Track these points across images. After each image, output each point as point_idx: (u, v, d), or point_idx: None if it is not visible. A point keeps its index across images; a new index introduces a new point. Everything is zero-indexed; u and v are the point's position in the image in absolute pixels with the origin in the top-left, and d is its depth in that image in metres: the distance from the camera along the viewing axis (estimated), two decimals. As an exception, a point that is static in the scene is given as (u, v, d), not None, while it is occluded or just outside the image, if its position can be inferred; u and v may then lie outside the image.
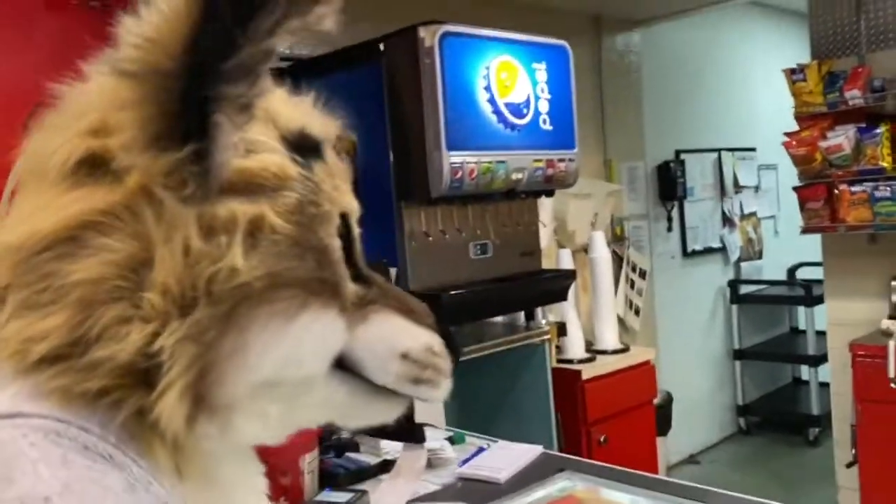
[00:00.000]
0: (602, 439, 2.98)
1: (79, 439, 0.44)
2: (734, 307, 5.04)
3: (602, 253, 3.23)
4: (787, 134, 3.50)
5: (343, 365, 0.52)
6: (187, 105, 0.44)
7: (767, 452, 4.78)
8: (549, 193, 2.62)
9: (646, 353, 3.29)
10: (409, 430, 1.54)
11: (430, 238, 2.31)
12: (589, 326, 3.31)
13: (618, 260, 4.00)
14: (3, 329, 0.46)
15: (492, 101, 2.27)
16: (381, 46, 2.28)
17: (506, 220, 2.52)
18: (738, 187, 5.08)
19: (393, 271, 2.25)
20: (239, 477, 0.54)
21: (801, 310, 5.04)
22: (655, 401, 3.32)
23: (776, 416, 5.21)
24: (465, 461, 1.61)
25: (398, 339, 0.54)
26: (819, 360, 4.57)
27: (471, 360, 2.46)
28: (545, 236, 2.91)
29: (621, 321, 3.87)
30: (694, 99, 4.80)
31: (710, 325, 4.98)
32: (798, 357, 5.14)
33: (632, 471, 1.53)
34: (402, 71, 2.23)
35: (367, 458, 1.67)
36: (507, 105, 2.31)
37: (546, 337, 2.74)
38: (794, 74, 3.46)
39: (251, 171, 0.48)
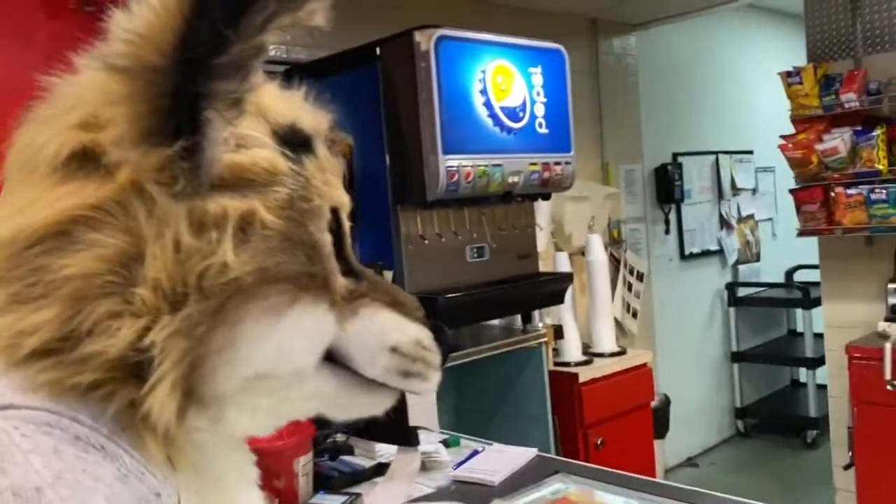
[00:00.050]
0: (599, 442, 2.99)
1: (70, 430, 0.44)
2: (732, 310, 5.05)
3: (599, 256, 3.24)
4: (783, 137, 3.50)
5: (333, 358, 0.53)
6: (178, 101, 0.44)
7: (765, 455, 4.78)
8: (546, 196, 2.63)
9: (643, 356, 3.29)
10: (403, 433, 1.55)
11: (427, 241, 2.32)
12: (586, 329, 3.31)
13: (615, 263, 4.00)
14: None
15: (488, 104, 2.28)
16: (378, 50, 2.28)
17: (502, 224, 2.52)
18: (735, 190, 5.09)
19: (389, 274, 2.26)
20: (231, 467, 0.55)
21: (799, 312, 5.04)
22: (653, 403, 3.32)
23: (774, 418, 5.21)
24: (460, 464, 1.62)
25: (387, 332, 0.55)
26: (817, 362, 4.57)
27: (468, 363, 2.46)
28: (542, 239, 2.91)
29: (619, 324, 3.88)
30: (691, 102, 4.81)
31: (708, 327, 4.98)
32: (796, 359, 5.14)
33: (625, 473, 1.53)
34: (398, 75, 2.23)
35: (361, 461, 1.67)
36: (502, 109, 2.31)
37: (543, 340, 2.74)
38: (790, 77, 3.47)
39: (242, 166, 0.49)
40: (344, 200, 0.56)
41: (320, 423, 1.64)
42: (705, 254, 4.90)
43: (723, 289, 5.05)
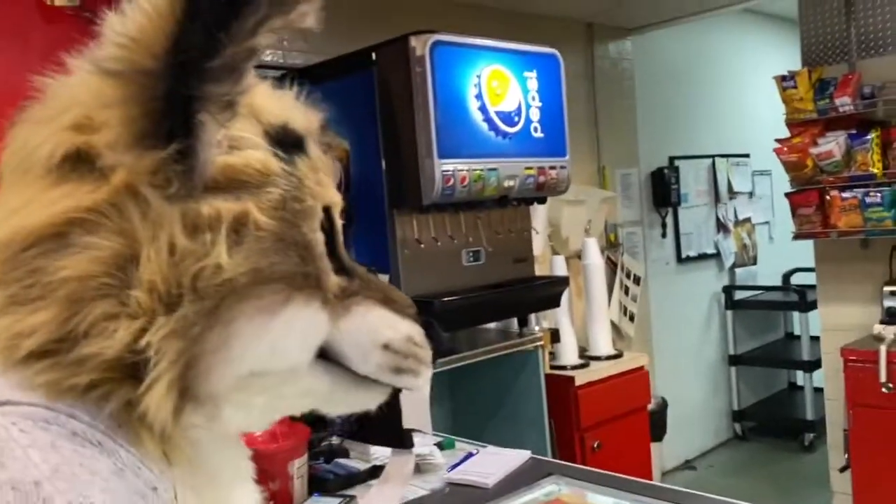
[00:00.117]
0: (596, 445, 2.99)
1: (67, 426, 0.45)
2: (729, 313, 5.06)
3: (595, 259, 3.25)
4: (778, 140, 3.52)
5: (326, 355, 0.54)
6: (171, 104, 0.45)
7: (763, 458, 4.79)
8: (542, 200, 2.64)
9: (639, 359, 3.30)
10: (397, 436, 1.55)
11: (423, 245, 2.33)
12: (583, 333, 3.32)
13: (612, 266, 4.01)
14: None
15: (483, 109, 2.29)
16: (374, 55, 2.29)
17: (498, 227, 2.53)
18: (732, 193, 5.10)
19: (385, 278, 2.27)
20: (226, 463, 0.55)
21: (796, 315, 5.05)
22: (651, 407, 3.33)
23: (772, 421, 5.21)
24: (454, 466, 1.63)
25: (380, 329, 0.55)
26: (814, 365, 4.57)
27: (464, 367, 2.47)
28: (538, 243, 2.92)
29: (616, 327, 3.89)
30: (687, 105, 4.82)
31: (705, 330, 4.99)
32: (793, 362, 5.15)
33: (619, 475, 1.54)
34: (394, 80, 2.25)
35: (355, 463, 1.68)
36: (498, 113, 2.33)
37: (539, 343, 2.75)
38: (785, 81, 3.48)
39: (235, 167, 0.49)
40: (336, 200, 0.56)
41: (315, 426, 1.65)
42: (702, 257, 4.91)
43: (720, 292, 5.06)
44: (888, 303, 3.26)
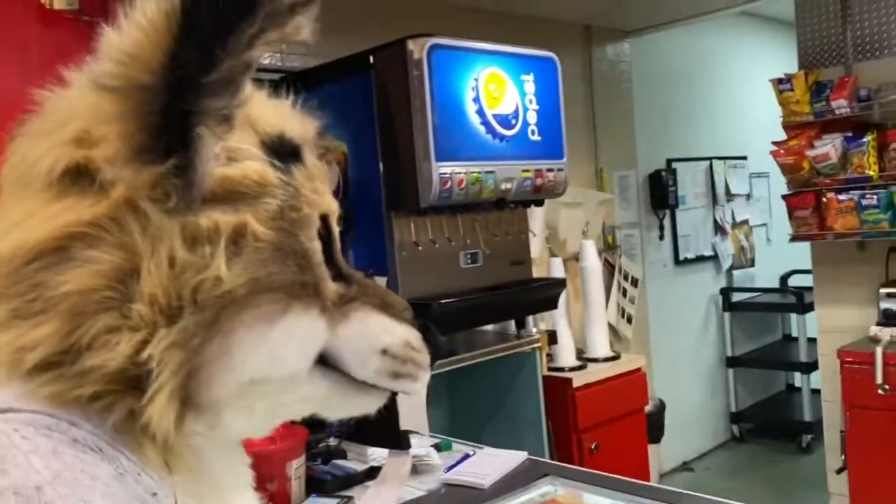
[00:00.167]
0: (593, 447, 3.00)
1: (69, 433, 0.46)
2: (727, 315, 5.07)
3: (592, 262, 3.25)
4: (775, 143, 3.53)
5: (325, 361, 0.54)
6: (169, 119, 0.45)
7: (761, 459, 4.80)
8: (539, 203, 2.65)
9: (636, 361, 3.30)
10: (394, 437, 1.56)
11: (420, 248, 2.34)
12: (580, 334, 3.33)
13: (610, 268, 4.02)
14: None
15: (480, 112, 2.31)
16: (371, 59, 2.31)
17: (495, 230, 2.54)
18: (729, 195, 5.12)
19: (383, 280, 2.27)
20: (227, 470, 0.56)
21: (794, 317, 5.06)
22: (648, 408, 3.33)
23: (769, 423, 5.22)
24: (451, 467, 1.64)
25: (378, 335, 0.56)
26: (811, 366, 4.58)
27: (462, 369, 2.48)
28: (536, 245, 2.93)
29: (614, 329, 3.90)
30: (685, 108, 4.83)
31: (703, 332, 5.00)
32: (790, 364, 5.16)
33: (615, 476, 1.55)
34: (391, 83, 2.26)
35: (353, 464, 1.69)
36: (495, 116, 2.34)
37: (537, 345, 2.76)
38: (782, 84, 3.49)
39: (232, 179, 0.50)
40: (333, 207, 0.57)
41: (313, 428, 1.66)
42: (700, 259, 4.92)
43: (717, 294, 5.07)
44: (884, 304, 3.27)
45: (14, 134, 0.52)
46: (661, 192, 4.53)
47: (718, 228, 5.05)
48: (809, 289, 4.00)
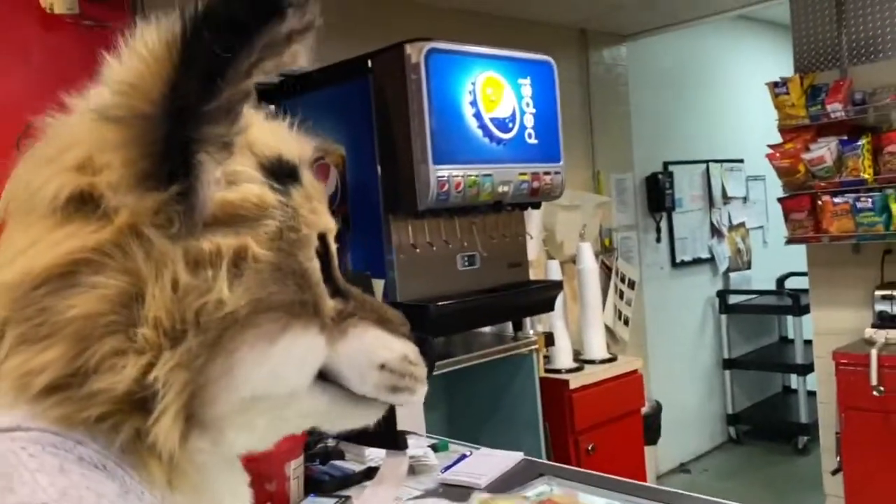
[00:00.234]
0: (590, 448, 3.01)
1: (74, 451, 0.46)
2: (723, 317, 5.08)
3: (589, 264, 3.27)
4: (770, 146, 3.55)
5: (325, 376, 0.56)
6: (170, 147, 0.46)
7: (757, 461, 4.81)
8: (536, 205, 2.67)
9: (633, 363, 3.32)
10: (392, 438, 1.58)
11: (418, 250, 2.35)
12: (577, 336, 3.34)
13: (607, 271, 4.04)
14: (3, 363, 0.49)
15: (477, 115, 2.32)
16: (369, 63, 2.32)
17: (493, 232, 2.56)
18: (726, 198, 5.14)
19: (381, 283, 2.29)
20: (227, 486, 0.57)
21: (790, 319, 5.08)
22: (645, 410, 3.35)
23: (766, 424, 5.24)
24: (447, 468, 1.65)
25: (376, 351, 0.57)
26: (808, 368, 4.60)
27: (459, 371, 2.49)
28: (533, 248, 2.95)
29: (611, 331, 3.91)
30: (681, 111, 4.85)
31: (700, 334, 5.02)
32: (787, 366, 5.18)
33: (610, 476, 1.56)
34: (389, 86, 2.27)
35: (351, 465, 1.71)
36: (492, 120, 2.36)
37: (534, 347, 2.77)
38: (777, 87, 3.52)
39: (233, 203, 0.51)
40: (331, 226, 0.58)
41: (312, 429, 1.67)
42: (696, 262, 4.94)
43: (714, 296, 5.09)
44: (879, 307, 3.30)
45: (19, 152, 0.53)
46: (658, 195, 4.55)
47: (715, 231, 5.07)
48: (805, 291, 4.02)
